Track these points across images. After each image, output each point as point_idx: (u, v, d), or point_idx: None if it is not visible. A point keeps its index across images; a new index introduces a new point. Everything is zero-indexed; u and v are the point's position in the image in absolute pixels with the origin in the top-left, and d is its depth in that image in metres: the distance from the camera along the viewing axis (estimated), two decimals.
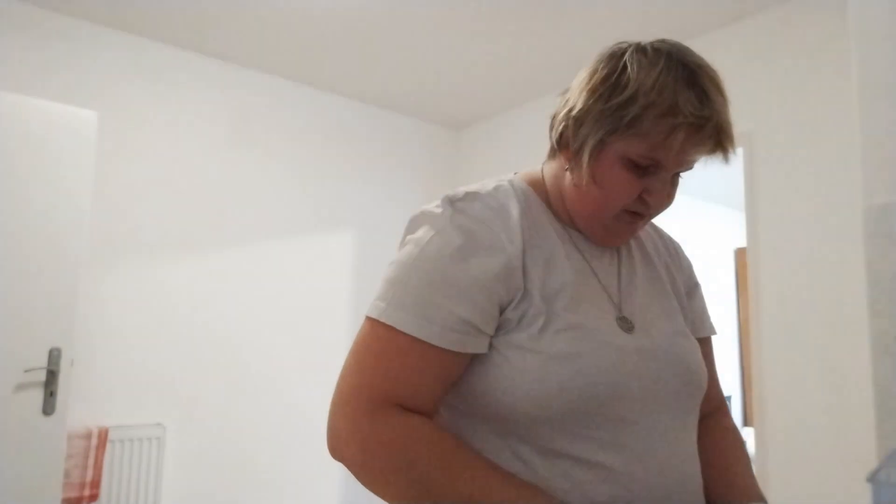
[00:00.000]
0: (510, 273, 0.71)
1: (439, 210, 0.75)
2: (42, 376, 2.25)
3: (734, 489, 0.79)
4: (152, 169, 3.03)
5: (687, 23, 2.77)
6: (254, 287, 3.28)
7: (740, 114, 2.67)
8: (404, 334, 0.68)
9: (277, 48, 3.15)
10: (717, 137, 0.70)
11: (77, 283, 2.34)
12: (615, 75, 0.71)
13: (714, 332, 0.93)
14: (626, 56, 0.72)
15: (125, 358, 2.86)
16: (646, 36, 0.79)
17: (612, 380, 0.69)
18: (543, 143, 0.83)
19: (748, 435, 4.62)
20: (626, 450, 0.69)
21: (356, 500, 3.51)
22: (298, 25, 2.91)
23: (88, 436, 2.60)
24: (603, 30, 2.84)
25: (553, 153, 0.83)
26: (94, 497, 2.57)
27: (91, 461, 2.58)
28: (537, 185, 0.84)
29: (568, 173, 0.78)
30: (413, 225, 0.77)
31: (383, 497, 0.68)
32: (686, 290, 0.91)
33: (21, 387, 2.21)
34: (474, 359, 0.72)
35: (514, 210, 0.76)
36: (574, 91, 0.76)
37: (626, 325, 0.75)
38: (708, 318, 0.93)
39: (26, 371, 2.22)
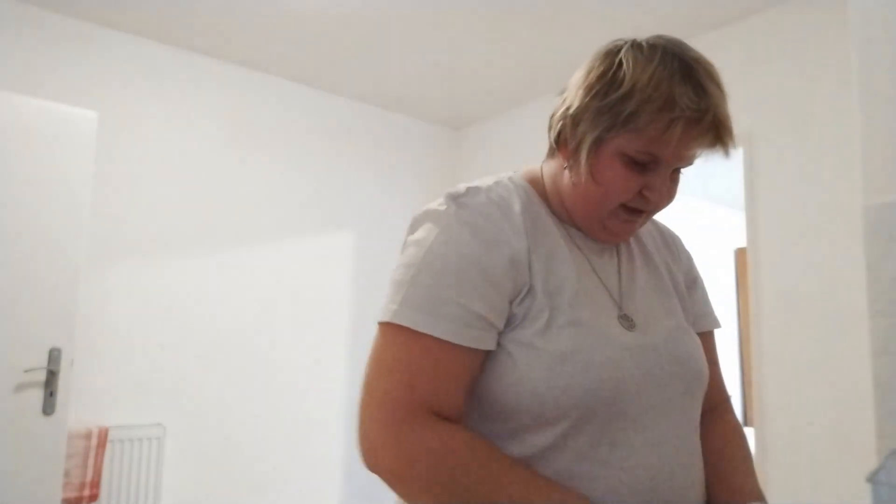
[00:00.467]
0: (517, 267, 0.71)
1: (443, 207, 0.75)
2: (42, 376, 2.25)
3: (732, 487, 0.78)
4: (152, 169, 3.03)
5: (687, 23, 2.77)
6: (254, 287, 3.28)
7: (740, 114, 2.67)
8: (423, 335, 0.67)
9: (277, 48, 3.15)
10: (715, 131, 0.69)
11: (77, 283, 2.34)
12: (611, 72, 0.71)
13: (718, 326, 0.92)
14: (622, 53, 0.72)
15: (125, 358, 2.86)
16: (646, 36, 0.79)
17: (615, 377, 0.69)
18: (543, 143, 0.83)
19: (748, 435, 4.62)
20: (627, 446, 0.69)
21: (356, 500, 3.51)
22: (298, 25, 2.91)
23: (88, 436, 2.60)
24: (603, 30, 2.84)
25: (552, 153, 0.82)
26: (94, 497, 2.57)
27: (91, 461, 2.58)
28: (537, 183, 0.83)
29: (567, 172, 0.78)
30: (415, 224, 0.77)
31: None
32: (686, 284, 0.90)
33: (21, 387, 2.21)
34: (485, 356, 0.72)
35: (516, 205, 0.76)
36: (571, 90, 0.76)
37: (627, 323, 0.75)
38: (711, 311, 0.92)
39: (26, 371, 2.22)
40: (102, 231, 2.86)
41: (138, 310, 2.92)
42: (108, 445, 2.71)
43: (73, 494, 2.52)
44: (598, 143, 0.72)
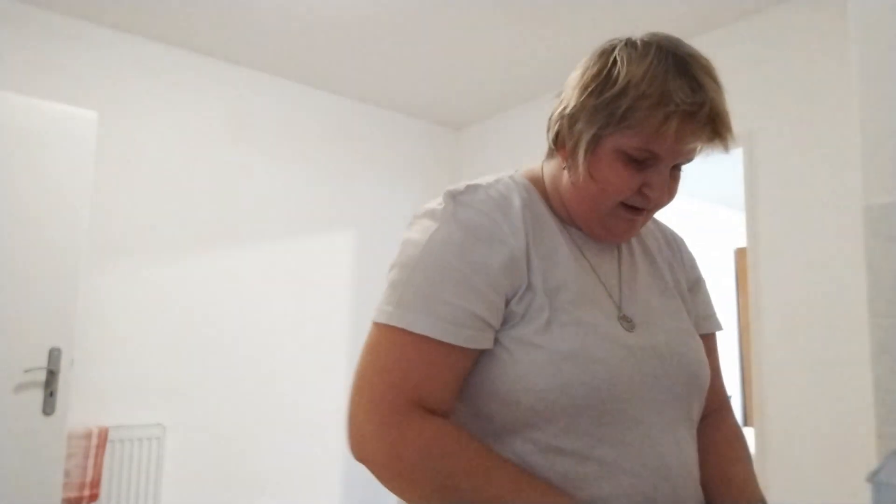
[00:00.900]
0: (514, 265, 0.71)
1: (441, 205, 0.75)
2: (42, 376, 2.25)
3: (732, 489, 0.78)
4: (152, 169, 3.03)
5: (687, 23, 2.77)
6: (254, 286, 3.28)
7: (740, 114, 2.67)
8: (417, 335, 0.68)
9: (277, 48, 3.15)
10: (712, 124, 0.69)
11: (77, 283, 2.34)
12: (605, 70, 0.71)
13: (719, 328, 0.92)
14: (616, 51, 0.72)
15: (125, 358, 2.86)
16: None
17: (614, 377, 0.69)
18: (543, 143, 0.83)
19: (748, 435, 4.62)
20: (626, 446, 0.69)
21: (356, 500, 3.51)
22: (298, 25, 2.91)
23: (88, 436, 2.60)
24: (603, 30, 2.84)
25: (551, 153, 0.82)
26: (94, 497, 2.57)
27: (91, 461, 2.58)
28: (537, 183, 0.83)
29: (566, 172, 0.78)
30: (414, 222, 0.77)
31: (410, 500, 0.67)
32: (688, 286, 0.90)
33: (21, 387, 2.21)
34: (479, 354, 0.72)
35: (517, 202, 0.76)
36: (567, 90, 0.76)
37: (627, 324, 0.75)
38: (713, 313, 0.92)
39: (26, 371, 2.22)
40: (102, 231, 2.86)
41: (138, 310, 2.92)
42: (108, 445, 2.71)
43: (73, 494, 2.52)
44: (595, 142, 0.72)
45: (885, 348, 1.12)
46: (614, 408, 0.69)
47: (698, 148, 0.72)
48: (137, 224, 2.96)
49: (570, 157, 0.76)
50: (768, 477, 2.41)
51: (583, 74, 0.74)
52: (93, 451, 2.60)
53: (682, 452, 0.73)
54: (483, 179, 0.80)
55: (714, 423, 0.88)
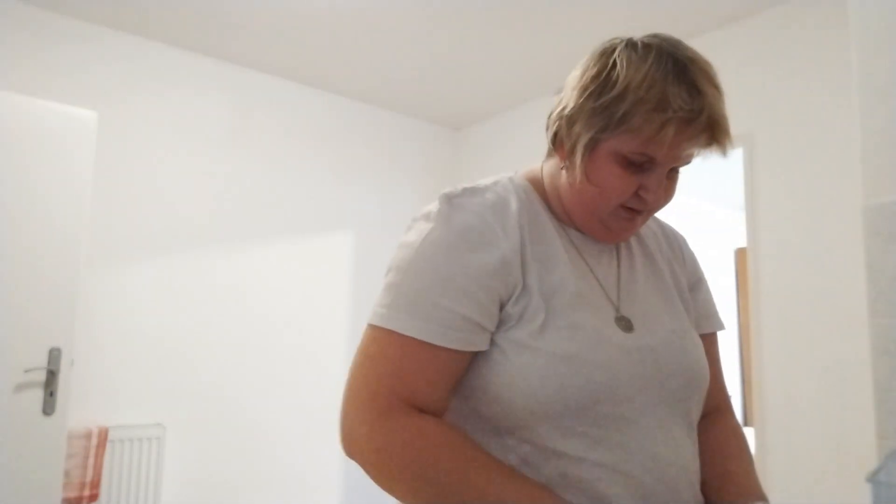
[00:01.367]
0: (507, 268, 0.71)
1: (436, 208, 0.76)
2: (42, 376, 2.25)
3: (734, 488, 0.78)
4: (152, 169, 3.03)
5: (687, 23, 2.77)
6: (254, 287, 3.28)
7: (740, 114, 2.67)
8: (408, 337, 0.68)
9: (277, 48, 3.15)
10: (710, 131, 0.69)
11: (77, 283, 2.34)
12: (605, 73, 0.71)
13: (721, 328, 0.92)
14: (616, 53, 0.71)
15: (125, 358, 2.86)
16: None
17: (610, 378, 0.69)
18: (543, 143, 0.83)
19: (748, 435, 4.62)
20: (623, 448, 0.69)
21: (356, 500, 3.51)
22: (298, 25, 2.91)
23: (88, 436, 2.60)
24: (603, 30, 2.84)
25: (551, 153, 0.83)
26: (94, 497, 2.57)
27: (91, 461, 2.58)
28: (537, 184, 0.83)
29: (564, 172, 0.78)
30: (411, 225, 0.77)
31: (398, 497, 0.68)
32: (690, 285, 0.90)
33: (21, 387, 2.21)
34: (475, 356, 0.72)
35: (513, 204, 0.77)
36: (567, 90, 0.76)
37: (624, 324, 0.75)
38: (714, 313, 0.92)
39: (26, 371, 2.22)
40: (102, 231, 2.86)
41: (138, 310, 2.92)
42: (108, 445, 2.71)
43: (73, 494, 2.52)
44: (593, 144, 0.72)
45: (885, 348, 1.12)
46: (610, 409, 0.69)
47: (696, 152, 0.72)
48: (137, 224, 2.96)
49: (568, 159, 0.76)
50: (768, 477, 2.41)
51: (582, 75, 0.74)
52: (93, 451, 2.60)
53: (680, 453, 0.73)
54: (481, 182, 0.80)
55: (715, 423, 0.88)
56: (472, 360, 0.72)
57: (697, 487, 0.76)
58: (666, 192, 0.75)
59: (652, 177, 0.73)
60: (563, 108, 0.75)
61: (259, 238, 3.33)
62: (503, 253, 0.72)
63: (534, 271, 0.73)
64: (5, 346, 2.20)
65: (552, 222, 0.79)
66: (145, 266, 2.96)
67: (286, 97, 3.51)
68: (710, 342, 0.91)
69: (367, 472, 0.68)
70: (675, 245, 0.93)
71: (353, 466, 3.52)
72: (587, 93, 0.72)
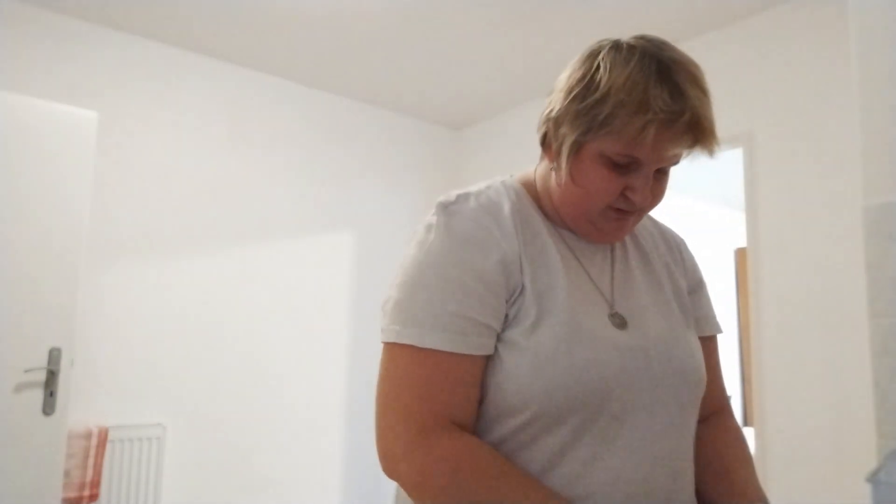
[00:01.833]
0: (508, 268, 0.72)
1: (434, 218, 0.77)
2: (42, 376, 2.25)
3: (735, 490, 0.78)
4: (152, 169, 3.03)
5: (687, 23, 2.77)
6: (254, 287, 3.28)
7: (740, 114, 2.67)
8: (428, 349, 0.69)
9: (277, 48, 3.15)
10: (693, 132, 0.69)
11: (77, 283, 2.34)
12: (589, 75, 0.71)
13: (719, 331, 0.92)
14: (601, 55, 0.72)
15: (125, 358, 2.86)
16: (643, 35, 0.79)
17: (601, 377, 0.69)
18: None
19: (748, 435, 4.63)
20: (615, 446, 0.69)
21: (356, 500, 3.51)
22: (298, 25, 2.91)
23: (88, 436, 2.60)
24: (603, 30, 2.84)
25: (542, 154, 0.83)
26: (94, 497, 2.57)
27: (91, 461, 2.58)
28: (530, 186, 0.84)
29: (553, 173, 0.79)
30: (412, 238, 0.79)
31: None
32: (689, 288, 0.90)
33: (21, 387, 2.21)
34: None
35: (506, 207, 0.78)
36: (555, 92, 0.77)
37: (618, 321, 0.75)
38: (713, 316, 0.92)
39: (26, 371, 2.22)
40: (102, 231, 2.86)
41: (138, 310, 2.92)
42: (108, 445, 2.71)
43: (73, 494, 2.52)
44: (577, 146, 0.73)
45: (885, 348, 1.12)
46: (601, 407, 0.69)
47: (682, 153, 0.72)
48: (137, 224, 2.96)
49: (556, 160, 0.77)
50: (768, 477, 2.41)
51: (568, 77, 0.75)
52: (93, 451, 2.60)
53: (672, 451, 0.73)
54: (474, 187, 0.81)
55: (715, 425, 0.88)
56: None
57: (690, 486, 0.76)
58: (653, 192, 0.75)
59: (638, 178, 0.73)
60: (551, 111, 0.76)
61: (259, 238, 3.33)
62: (504, 254, 0.73)
63: (528, 272, 0.74)
64: (5, 346, 2.20)
65: (544, 223, 0.80)
66: (145, 266, 2.96)
67: (286, 97, 3.51)
68: (709, 344, 0.91)
69: (408, 492, 0.69)
70: (674, 248, 0.93)
71: (353, 466, 3.52)
72: (572, 95, 0.72)
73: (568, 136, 0.73)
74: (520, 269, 0.73)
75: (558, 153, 0.75)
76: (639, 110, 0.67)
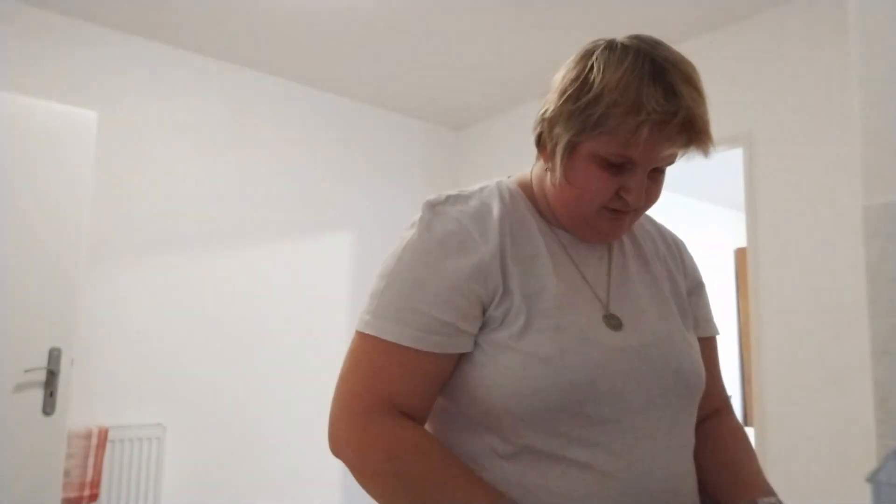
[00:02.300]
0: (484, 272, 0.72)
1: (419, 216, 0.78)
2: (42, 376, 2.25)
3: (743, 485, 0.78)
4: (152, 169, 3.03)
5: (687, 23, 2.77)
6: (254, 287, 3.28)
7: (740, 114, 2.67)
8: (389, 342, 0.71)
9: (277, 48, 3.15)
10: (687, 133, 0.69)
11: (77, 283, 2.34)
12: (583, 75, 0.71)
13: (717, 332, 0.92)
14: (595, 55, 0.72)
15: (125, 358, 2.86)
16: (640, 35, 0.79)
17: (592, 379, 0.69)
18: None
19: (748, 435, 4.62)
20: (607, 449, 0.69)
21: (356, 500, 3.51)
22: (298, 25, 2.91)
23: (88, 436, 2.60)
24: (602, 30, 2.84)
25: (538, 155, 0.83)
26: (94, 497, 2.57)
27: (91, 461, 2.58)
28: (526, 186, 0.84)
29: (548, 173, 0.79)
30: (403, 233, 0.79)
31: (375, 498, 0.70)
32: (689, 290, 0.90)
33: (21, 387, 2.21)
34: (460, 357, 0.74)
35: (496, 210, 0.77)
36: (550, 92, 0.77)
37: (613, 322, 0.75)
38: (712, 317, 0.93)
39: (26, 371, 2.22)
40: (102, 231, 2.86)
41: (138, 310, 2.92)
42: (108, 445, 2.71)
43: (73, 494, 2.52)
44: (572, 147, 0.73)
45: (885, 348, 1.12)
46: (592, 409, 0.69)
47: (677, 153, 0.72)
48: (137, 224, 2.96)
49: (551, 160, 0.77)
50: (768, 477, 2.41)
51: (563, 78, 0.75)
52: (93, 451, 2.60)
53: (668, 454, 0.72)
54: (467, 189, 0.82)
55: (716, 424, 0.88)
56: (458, 361, 0.74)
57: (689, 488, 0.75)
58: (648, 192, 0.75)
59: (632, 178, 0.73)
60: (545, 111, 0.76)
61: (259, 238, 3.33)
62: (481, 258, 0.73)
63: (516, 274, 0.74)
64: (5, 346, 2.20)
65: (539, 224, 0.80)
66: (145, 266, 2.96)
67: (286, 97, 3.51)
68: (708, 345, 0.91)
69: (350, 470, 0.71)
70: (674, 250, 0.93)
71: None
72: (566, 95, 0.72)
73: (562, 137, 0.73)
74: (500, 272, 0.73)
75: (553, 153, 0.75)
76: (632, 110, 0.67)
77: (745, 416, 5.32)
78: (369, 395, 0.71)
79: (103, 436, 2.63)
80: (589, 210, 0.75)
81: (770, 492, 0.78)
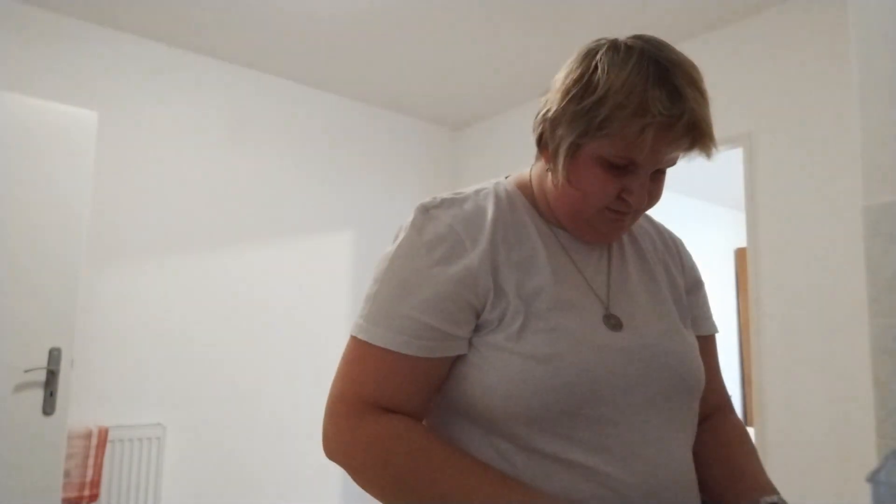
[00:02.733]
0: (473, 277, 0.72)
1: (411, 219, 0.77)
2: (42, 376, 2.25)
3: (746, 484, 0.78)
4: (152, 169, 3.03)
5: (687, 23, 2.77)
6: (254, 286, 3.28)
7: (740, 114, 2.67)
8: (378, 347, 0.72)
9: (277, 48, 3.15)
10: (691, 135, 0.69)
11: (77, 284, 2.34)
12: (587, 76, 0.71)
13: (716, 331, 0.92)
14: (599, 55, 0.71)
15: (125, 358, 2.86)
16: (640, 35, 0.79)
17: (590, 380, 0.69)
18: None
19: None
20: (606, 450, 0.69)
21: (355, 500, 3.51)
22: (298, 25, 2.91)
23: (88, 436, 2.60)
24: (602, 30, 2.84)
25: (538, 155, 0.83)
26: (94, 497, 2.57)
27: (91, 461, 2.58)
28: (525, 187, 0.84)
29: (549, 174, 0.78)
30: (394, 238, 0.79)
31: (371, 494, 0.71)
32: (687, 288, 0.90)
33: (21, 387, 2.21)
34: (457, 359, 0.74)
35: (490, 212, 0.77)
36: (551, 92, 0.76)
37: (613, 322, 0.75)
38: (710, 316, 0.92)
39: (26, 371, 2.22)
40: (102, 231, 2.86)
41: (138, 310, 2.92)
42: (108, 445, 2.71)
43: (73, 494, 2.52)
44: (574, 148, 0.72)
45: (885, 348, 1.12)
46: (591, 410, 0.69)
47: (679, 155, 0.72)
48: (137, 224, 2.96)
49: (552, 161, 0.76)
50: (768, 477, 2.41)
51: (565, 77, 0.74)
52: (93, 451, 2.60)
53: (668, 454, 0.72)
54: (463, 191, 0.81)
55: (718, 422, 0.88)
56: (456, 363, 0.74)
57: (690, 487, 0.75)
58: (650, 194, 0.75)
59: (634, 180, 0.73)
60: (547, 111, 0.75)
61: (259, 238, 3.33)
62: (469, 262, 0.72)
63: (511, 276, 0.73)
64: (5, 346, 2.20)
65: (538, 225, 0.80)
66: (145, 266, 2.96)
67: (286, 97, 3.51)
68: (707, 344, 0.91)
69: (347, 473, 0.72)
70: (672, 249, 0.93)
71: None
72: (569, 96, 0.72)
73: (565, 138, 0.72)
74: (491, 275, 0.73)
75: (555, 154, 0.75)
76: (637, 113, 0.67)
77: (745, 416, 5.32)
78: (359, 400, 0.71)
79: (103, 436, 2.63)
80: (590, 211, 0.75)
81: (772, 490, 0.78)
